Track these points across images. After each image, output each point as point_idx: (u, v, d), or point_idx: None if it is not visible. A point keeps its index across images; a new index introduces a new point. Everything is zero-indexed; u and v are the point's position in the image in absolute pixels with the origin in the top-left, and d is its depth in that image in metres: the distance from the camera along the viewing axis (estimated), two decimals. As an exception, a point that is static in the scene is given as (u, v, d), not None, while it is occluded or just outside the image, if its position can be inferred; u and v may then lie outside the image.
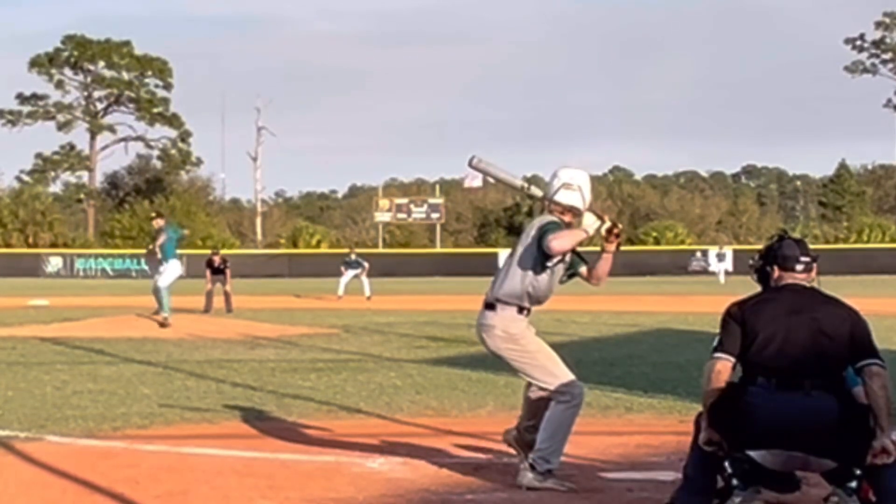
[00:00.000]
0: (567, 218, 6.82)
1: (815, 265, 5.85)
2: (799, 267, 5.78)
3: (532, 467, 6.73)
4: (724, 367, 5.65)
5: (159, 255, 20.70)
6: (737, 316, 5.71)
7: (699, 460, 5.75)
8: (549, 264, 6.79)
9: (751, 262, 5.99)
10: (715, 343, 5.75)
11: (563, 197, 6.83)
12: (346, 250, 44.14)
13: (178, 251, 21.28)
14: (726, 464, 6.14)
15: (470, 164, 7.14)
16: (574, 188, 6.84)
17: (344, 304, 30.66)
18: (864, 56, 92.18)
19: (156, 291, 20.43)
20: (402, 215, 75.97)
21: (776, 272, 5.82)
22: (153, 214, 24.52)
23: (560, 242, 6.56)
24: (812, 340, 5.55)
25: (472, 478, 7.12)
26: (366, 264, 35.99)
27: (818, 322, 5.59)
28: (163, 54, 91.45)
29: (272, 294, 36.32)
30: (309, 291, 37.88)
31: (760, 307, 5.69)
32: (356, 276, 35.21)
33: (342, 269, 35.97)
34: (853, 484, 6.00)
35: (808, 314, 5.61)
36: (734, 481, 6.18)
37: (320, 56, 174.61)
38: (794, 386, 5.48)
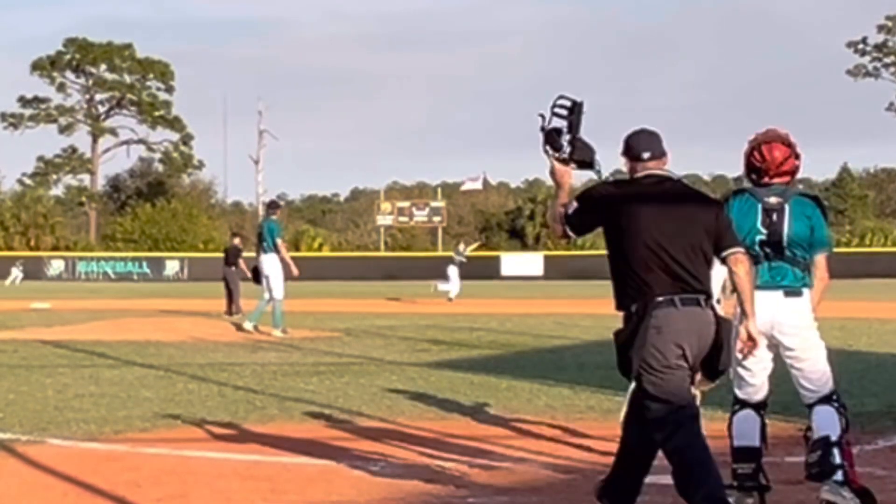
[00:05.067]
0: None
1: (665, 155, 5.71)
2: (646, 155, 5.70)
3: None
4: (559, 231, 5.73)
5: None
6: (598, 202, 5.66)
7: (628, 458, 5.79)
8: None
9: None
10: (570, 209, 5.66)
11: None
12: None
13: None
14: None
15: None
16: None
17: (346, 307, 30.56)
18: (866, 60, 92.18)
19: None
20: (403, 218, 75.91)
21: (628, 163, 5.78)
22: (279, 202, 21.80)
23: None
24: (695, 250, 5.54)
25: (474, 481, 7.12)
26: (463, 258, 35.30)
27: (697, 228, 5.56)
28: (164, 57, 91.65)
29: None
30: (311, 295, 37.87)
31: (632, 209, 5.57)
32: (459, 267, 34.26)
33: (452, 269, 34.59)
34: (840, 476, 6.08)
35: (686, 219, 5.57)
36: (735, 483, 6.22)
37: (322, 59, 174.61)
38: (692, 301, 5.49)
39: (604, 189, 5.75)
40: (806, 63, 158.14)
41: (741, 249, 5.70)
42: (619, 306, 5.62)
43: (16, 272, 56.13)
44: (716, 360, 5.57)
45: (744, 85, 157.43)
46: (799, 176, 6.64)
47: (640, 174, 5.71)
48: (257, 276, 19.83)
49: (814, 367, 6.32)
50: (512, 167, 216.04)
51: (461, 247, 37.72)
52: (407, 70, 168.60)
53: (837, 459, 6.13)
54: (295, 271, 19.71)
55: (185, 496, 6.78)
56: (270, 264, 19.63)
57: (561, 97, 5.78)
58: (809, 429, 6.36)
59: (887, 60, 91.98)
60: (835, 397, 6.33)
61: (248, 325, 19.72)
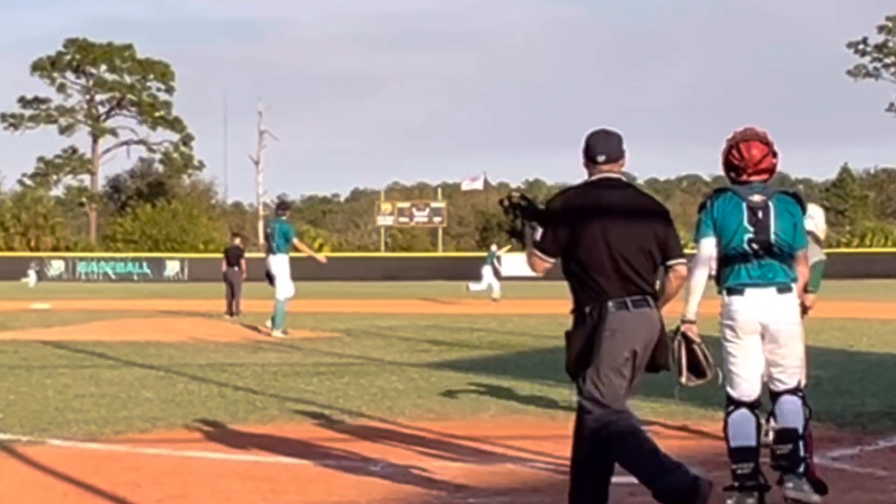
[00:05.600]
0: None
1: (622, 157, 5.84)
2: (601, 158, 5.83)
3: None
4: (541, 266, 5.84)
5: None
6: (562, 215, 5.77)
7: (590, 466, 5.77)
8: None
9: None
10: (536, 236, 5.79)
11: None
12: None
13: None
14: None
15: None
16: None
17: (346, 307, 30.54)
18: (866, 60, 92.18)
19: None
20: (404, 219, 75.94)
21: (585, 164, 5.91)
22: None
23: None
24: (645, 254, 5.73)
25: (474, 482, 7.11)
26: (495, 261, 35.64)
27: (647, 233, 5.75)
28: (165, 58, 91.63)
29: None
30: (311, 295, 37.78)
31: (587, 214, 5.70)
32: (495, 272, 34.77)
33: (486, 269, 35.03)
34: (802, 469, 6.16)
35: (638, 224, 5.74)
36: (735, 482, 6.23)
37: (322, 59, 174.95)
38: (643, 303, 5.69)
39: (558, 201, 5.89)
40: (806, 63, 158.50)
41: (685, 261, 5.92)
42: (575, 308, 5.76)
43: (32, 274, 56.15)
44: (659, 357, 5.77)
45: (744, 85, 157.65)
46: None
47: (595, 177, 5.85)
48: (271, 278, 19.63)
49: (795, 364, 6.44)
50: (512, 167, 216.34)
51: (494, 247, 37.98)
52: (407, 70, 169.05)
53: (801, 452, 6.29)
54: (323, 260, 19.98)
55: (186, 496, 6.78)
56: (278, 265, 19.55)
57: (501, 202, 5.99)
58: (773, 414, 6.50)
59: (887, 61, 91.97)
60: (800, 388, 6.46)
61: (276, 333, 18.99)
